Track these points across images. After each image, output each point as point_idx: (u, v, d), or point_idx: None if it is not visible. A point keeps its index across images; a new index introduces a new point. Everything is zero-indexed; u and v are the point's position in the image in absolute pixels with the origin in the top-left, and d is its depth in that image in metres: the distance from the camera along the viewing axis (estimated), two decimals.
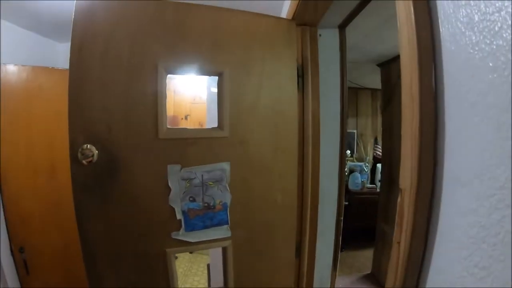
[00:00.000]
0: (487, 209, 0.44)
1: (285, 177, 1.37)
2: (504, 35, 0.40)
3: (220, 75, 1.26)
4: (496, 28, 0.42)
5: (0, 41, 2.16)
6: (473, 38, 0.46)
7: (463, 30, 0.48)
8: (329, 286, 1.85)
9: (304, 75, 1.46)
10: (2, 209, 2.13)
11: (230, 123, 1.26)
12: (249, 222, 1.34)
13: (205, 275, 3.89)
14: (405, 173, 0.62)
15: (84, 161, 1.13)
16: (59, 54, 2.76)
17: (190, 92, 4.25)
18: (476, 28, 0.46)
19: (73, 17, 1.10)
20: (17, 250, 2.17)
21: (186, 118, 4.25)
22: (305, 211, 1.49)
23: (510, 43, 0.39)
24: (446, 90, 0.54)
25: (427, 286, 0.59)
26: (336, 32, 1.76)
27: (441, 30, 0.55)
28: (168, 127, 1.18)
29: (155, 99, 1.16)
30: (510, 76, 0.39)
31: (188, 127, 3.45)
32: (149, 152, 1.17)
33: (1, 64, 2.10)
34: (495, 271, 0.43)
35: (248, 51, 1.30)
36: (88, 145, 1.12)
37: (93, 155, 1.13)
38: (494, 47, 0.42)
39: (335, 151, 1.73)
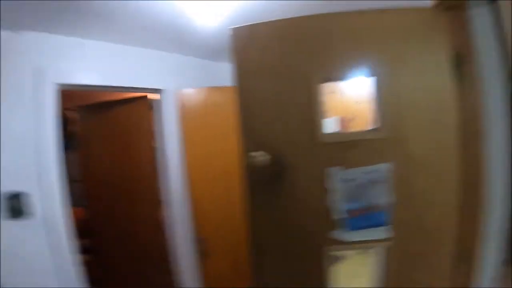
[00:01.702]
0: None
1: (447, 176, 1.30)
2: None
3: (374, 75, 1.28)
4: None
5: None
6: None
7: None
8: None
9: (461, 64, 1.35)
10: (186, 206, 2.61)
11: (388, 123, 1.27)
12: (409, 223, 1.32)
13: (370, 277, 3.89)
14: None
15: (253, 166, 1.31)
16: (218, 73, 3.04)
17: (356, 93, 4.18)
18: None
19: (231, 42, 1.31)
20: (199, 240, 2.62)
21: (353, 119, 4.23)
22: (470, 213, 1.37)
23: None
24: None
25: None
26: (487, 9, 1.55)
27: None
28: (330, 131, 1.28)
29: (311, 107, 1.28)
30: None
31: (350, 130, 3.55)
32: (310, 156, 1.29)
33: (176, 89, 2.57)
34: None
35: (398, 48, 1.30)
36: (257, 152, 1.30)
37: (261, 161, 1.30)
38: None
39: (505, 146, 1.53)
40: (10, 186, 1.66)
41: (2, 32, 1.66)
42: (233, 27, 1.34)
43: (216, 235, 2.63)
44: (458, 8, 1.38)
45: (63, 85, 1.94)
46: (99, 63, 2.16)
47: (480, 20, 1.54)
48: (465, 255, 1.38)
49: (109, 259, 3.10)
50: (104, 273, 3.01)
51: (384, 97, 1.28)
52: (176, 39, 2.36)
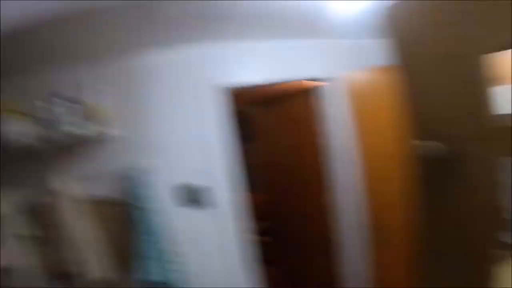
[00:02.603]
0: None
1: None
2: None
3: None
4: None
5: None
6: None
7: None
8: None
9: None
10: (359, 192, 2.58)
11: None
12: None
13: None
14: None
15: (426, 157, 1.18)
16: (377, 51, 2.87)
17: None
18: None
19: (389, 18, 1.20)
20: (372, 228, 2.53)
21: None
22: None
23: None
24: None
25: None
26: None
27: None
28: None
29: (481, 84, 1.06)
30: None
31: None
32: (480, 144, 1.09)
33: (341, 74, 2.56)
34: None
35: None
36: (430, 141, 1.16)
37: (433, 151, 1.15)
38: None
39: None
40: (193, 179, 2.00)
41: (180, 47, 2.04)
42: (391, 3, 1.24)
43: (390, 225, 2.49)
44: None
45: (235, 86, 2.26)
46: (264, 62, 2.38)
47: None
48: None
49: (284, 241, 3.44)
50: (279, 254, 3.35)
51: None
52: (323, 24, 2.34)
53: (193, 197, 1.99)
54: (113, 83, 1.83)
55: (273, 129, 3.49)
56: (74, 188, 1.65)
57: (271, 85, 2.65)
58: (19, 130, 1.51)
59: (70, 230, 1.58)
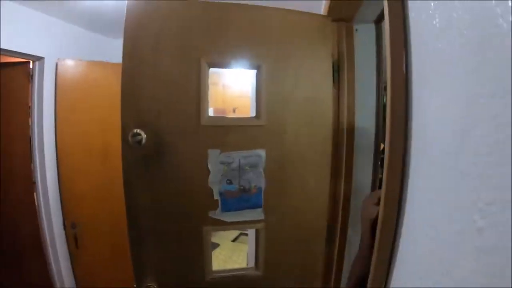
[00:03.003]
0: None
1: (319, 166, 1.43)
2: None
3: (258, 68, 1.34)
4: None
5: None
6: None
7: None
8: None
9: (340, 70, 1.50)
10: (58, 188, 2.36)
11: (267, 113, 1.34)
12: (282, 207, 1.41)
13: (245, 263, 4.05)
14: None
15: (133, 144, 1.26)
16: (114, 50, 2.93)
17: (238, 87, 4.47)
18: None
19: (125, 15, 1.23)
20: (70, 226, 2.40)
21: (234, 111, 4.55)
22: (337, 200, 1.53)
23: None
24: None
25: None
26: (372, 27, 1.77)
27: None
28: (210, 115, 1.29)
29: (199, 89, 1.27)
30: None
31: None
32: (192, 137, 1.28)
33: (59, 58, 2.32)
34: None
35: (285, 46, 1.37)
36: (138, 130, 1.25)
37: (141, 139, 1.25)
38: None
39: (370, 145, 1.75)
40: None
41: None
42: (129, 0, 1.26)
43: (91, 219, 2.44)
44: (347, 20, 1.54)
45: None
46: None
47: (364, 35, 1.75)
48: (333, 237, 1.54)
49: None
50: None
51: (265, 89, 1.34)
52: (69, 5, 2.13)
53: None
54: None
55: None
56: None
57: None
58: None
59: None
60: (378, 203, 0.88)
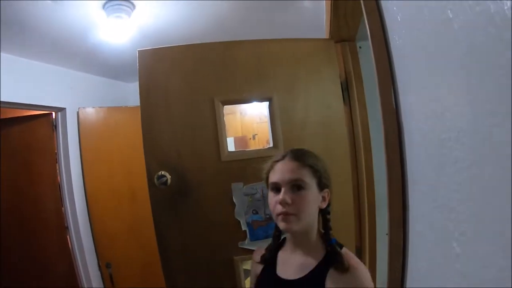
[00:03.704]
0: None
1: (340, 186, 1.45)
2: None
3: (269, 100, 1.39)
4: None
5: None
6: None
7: None
8: None
9: (349, 88, 1.53)
10: (90, 230, 2.44)
11: (283, 141, 1.38)
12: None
13: None
14: None
15: (159, 185, 1.32)
16: (131, 94, 3.02)
17: (257, 112, 4.28)
18: None
19: (138, 63, 1.32)
20: (104, 266, 2.47)
21: (253, 137, 4.28)
22: (363, 218, 1.54)
23: None
24: None
25: None
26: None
27: None
28: (229, 150, 1.34)
29: (215, 128, 1.34)
30: None
31: (252, 148, 3.62)
32: (214, 173, 1.34)
33: (80, 108, 2.45)
34: None
35: (293, 74, 1.43)
36: (163, 172, 1.32)
37: (167, 179, 1.32)
38: None
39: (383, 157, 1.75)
40: None
41: None
42: (140, 49, 1.35)
43: (124, 259, 2.51)
44: (349, 40, 1.58)
45: None
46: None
47: (369, 51, 1.78)
48: (362, 252, 1.54)
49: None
50: None
51: (279, 119, 1.39)
52: (83, 57, 2.26)
53: None
54: None
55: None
56: None
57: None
58: None
59: None
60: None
